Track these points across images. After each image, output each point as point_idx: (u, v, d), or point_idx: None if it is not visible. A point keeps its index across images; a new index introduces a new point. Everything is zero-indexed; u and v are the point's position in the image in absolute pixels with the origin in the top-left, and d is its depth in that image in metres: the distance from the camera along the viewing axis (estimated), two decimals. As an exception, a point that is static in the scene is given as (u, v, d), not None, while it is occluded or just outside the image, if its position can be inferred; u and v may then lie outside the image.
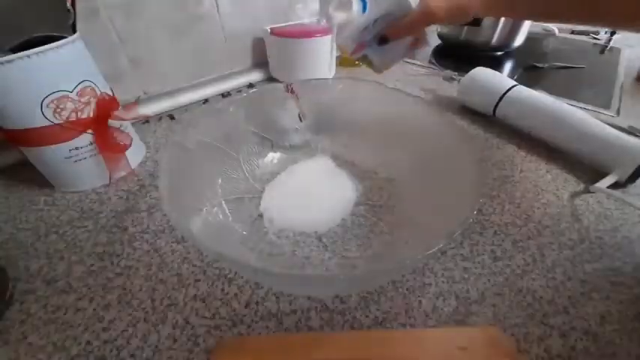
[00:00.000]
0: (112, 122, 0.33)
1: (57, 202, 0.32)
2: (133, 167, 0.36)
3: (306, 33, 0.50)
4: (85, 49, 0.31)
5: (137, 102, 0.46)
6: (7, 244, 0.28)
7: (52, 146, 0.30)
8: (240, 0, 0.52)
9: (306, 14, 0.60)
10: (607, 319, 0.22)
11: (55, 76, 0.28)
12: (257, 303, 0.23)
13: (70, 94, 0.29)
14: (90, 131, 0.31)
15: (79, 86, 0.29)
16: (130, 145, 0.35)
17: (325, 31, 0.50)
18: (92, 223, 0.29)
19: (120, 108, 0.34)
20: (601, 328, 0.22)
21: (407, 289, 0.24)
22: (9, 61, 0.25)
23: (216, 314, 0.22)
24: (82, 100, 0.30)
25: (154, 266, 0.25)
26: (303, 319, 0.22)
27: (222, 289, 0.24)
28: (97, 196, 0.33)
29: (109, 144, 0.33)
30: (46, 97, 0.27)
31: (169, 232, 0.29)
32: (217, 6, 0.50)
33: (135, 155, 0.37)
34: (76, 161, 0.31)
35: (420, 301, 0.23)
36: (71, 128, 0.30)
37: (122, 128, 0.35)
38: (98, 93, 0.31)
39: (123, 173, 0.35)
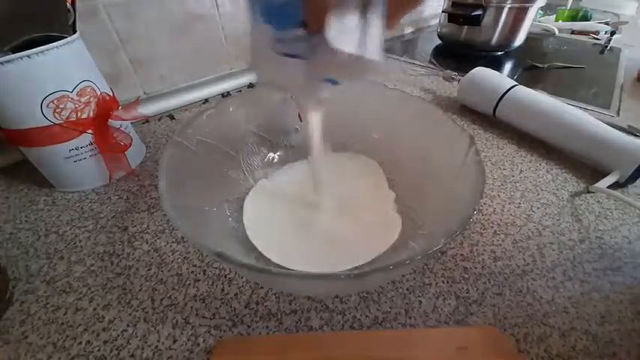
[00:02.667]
0: (112, 122, 0.33)
1: (57, 202, 0.32)
2: (133, 167, 0.36)
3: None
4: (85, 49, 0.31)
5: (137, 102, 0.46)
6: (7, 244, 0.28)
7: (52, 146, 0.30)
8: (240, 0, 0.51)
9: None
10: (607, 319, 0.22)
11: (55, 76, 0.28)
12: (257, 303, 0.23)
13: (70, 94, 0.29)
14: (90, 131, 0.31)
15: (79, 86, 0.29)
16: (130, 145, 0.35)
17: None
18: (92, 223, 0.29)
19: (120, 108, 0.34)
20: (601, 328, 0.22)
21: (407, 289, 0.24)
22: (9, 61, 0.25)
23: (216, 314, 0.22)
24: (82, 100, 0.30)
25: (154, 266, 0.25)
26: (303, 319, 0.22)
27: (222, 289, 0.24)
28: (97, 196, 0.33)
29: (109, 144, 0.33)
30: (46, 97, 0.27)
31: (169, 232, 0.29)
32: (217, 6, 0.50)
33: (135, 155, 0.37)
34: (76, 161, 0.31)
35: (420, 301, 0.23)
36: (71, 128, 0.30)
37: (122, 128, 0.35)
38: (98, 93, 0.31)
39: (123, 173, 0.35)
